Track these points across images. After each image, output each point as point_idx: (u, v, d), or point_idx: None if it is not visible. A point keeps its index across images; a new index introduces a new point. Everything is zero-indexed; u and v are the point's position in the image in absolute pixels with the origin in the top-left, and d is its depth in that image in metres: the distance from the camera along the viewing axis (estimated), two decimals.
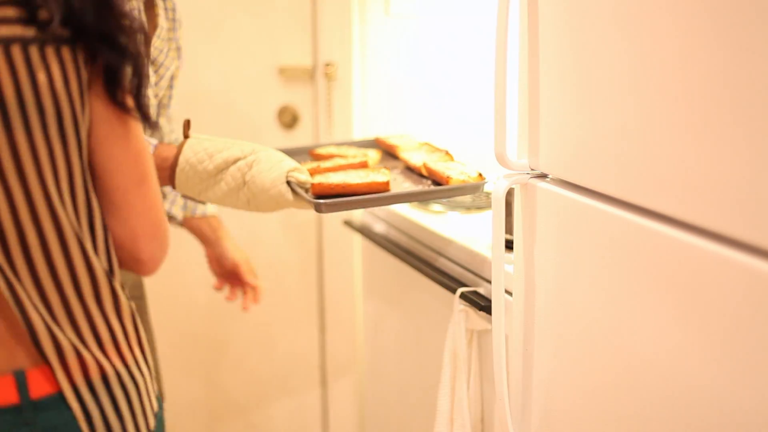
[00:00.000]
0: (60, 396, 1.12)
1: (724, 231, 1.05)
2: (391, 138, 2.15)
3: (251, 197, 1.69)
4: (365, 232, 2.29)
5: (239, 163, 1.70)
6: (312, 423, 2.74)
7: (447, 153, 2.00)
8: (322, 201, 1.66)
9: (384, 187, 1.75)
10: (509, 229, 1.59)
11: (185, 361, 2.68)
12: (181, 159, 1.70)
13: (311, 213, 2.60)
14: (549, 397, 1.44)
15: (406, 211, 2.11)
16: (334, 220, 2.57)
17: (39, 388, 1.11)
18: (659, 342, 1.18)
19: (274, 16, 2.54)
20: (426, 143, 2.08)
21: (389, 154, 2.10)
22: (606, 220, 1.26)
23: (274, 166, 1.69)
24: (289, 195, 1.67)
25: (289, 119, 2.59)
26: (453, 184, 1.76)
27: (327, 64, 2.51)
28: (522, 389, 1.50)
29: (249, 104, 2.59)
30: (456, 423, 1.73)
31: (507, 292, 1.56)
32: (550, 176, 1.42)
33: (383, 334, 2.31)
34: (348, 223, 2.41)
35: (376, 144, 2.17)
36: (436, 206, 2.12)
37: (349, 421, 2.69)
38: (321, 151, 2.06)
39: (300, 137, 2.59)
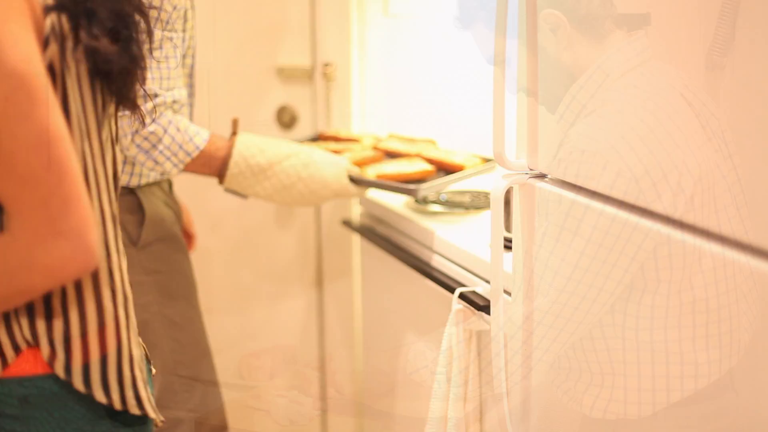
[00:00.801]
0: None
1: (723, 231, 1.05)
2: (341, 131, 2.34)
3: (307, 193, 1.86)
4: (364, 232, 2.29)
5: (292, 161, 1.84)
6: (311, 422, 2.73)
7: (431, 141, 2.23)
8: (417, 186, 1.91)
9: (432, 173, 2.03)
10: (508, 228, 1.59)
11: None
12: (235, 151, 1.78)
13: (310, 214, 2.60)
14: (548, 397, 1.44)
15: (404, 211, 2.11)
16: (332, 220, 2.57)
17: None
18: (657, 341, 1.17)
19: (273, 16, 2.54)
20: (391, 134, 2.30)
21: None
22: (604, 220, 1.26)
23: (329, 164, 1.90)
24: (352, 187, 1.92)
25: (287, 119, 2.58)
26: (468, 168, 2.04)
27: (325, 65, 2.51)
28: (521, 389, 1.50)
29: (248, 104, 2.58)
30: (450, 423, 1.73)
31: (506, 292, 1.56)
32: (548, 176, 1.42)
33: (382, 333, 2.31)
34: (347, 223, 2.41)
35: (318, 139, 2.31)
36: (434, 206, 2.12)
37: (348, 421, 2.69)
38: (328, 132, 2.30)
39: (298, 137, 2.58)
